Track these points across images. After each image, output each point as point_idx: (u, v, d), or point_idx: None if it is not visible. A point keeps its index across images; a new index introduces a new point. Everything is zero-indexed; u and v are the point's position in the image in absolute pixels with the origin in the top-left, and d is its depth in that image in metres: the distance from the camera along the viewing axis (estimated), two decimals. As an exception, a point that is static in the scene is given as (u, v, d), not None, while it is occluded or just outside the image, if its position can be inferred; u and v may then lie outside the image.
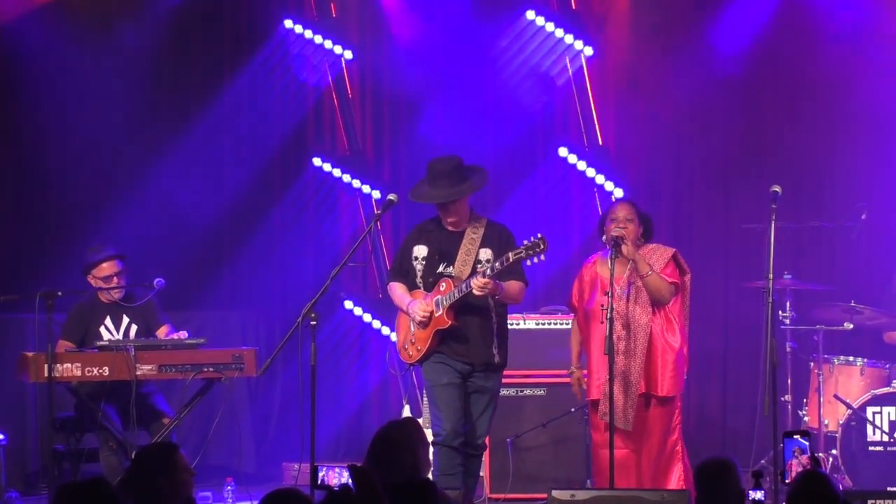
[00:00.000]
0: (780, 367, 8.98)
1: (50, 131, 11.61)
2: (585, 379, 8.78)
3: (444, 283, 8.47)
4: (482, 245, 8.53)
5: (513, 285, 8.46)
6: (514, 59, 11.74)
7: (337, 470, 6.39)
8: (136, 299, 9.72)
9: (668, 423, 8.65)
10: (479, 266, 8.43)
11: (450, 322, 8.41)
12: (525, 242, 8.25)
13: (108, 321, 9.70)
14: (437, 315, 8.45)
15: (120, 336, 9.63)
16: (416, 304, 8.50)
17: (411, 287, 8.64)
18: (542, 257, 8.24)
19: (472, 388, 8.52)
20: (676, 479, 8.63)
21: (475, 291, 8.27)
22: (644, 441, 8.56)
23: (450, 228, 8.60)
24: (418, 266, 8.62)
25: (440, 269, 8.55)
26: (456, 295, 8.37)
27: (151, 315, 9.75)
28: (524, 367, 10.09)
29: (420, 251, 8.64)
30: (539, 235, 8.21)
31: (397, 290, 8.69)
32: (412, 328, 8.57)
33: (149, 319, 9.74)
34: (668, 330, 8.63)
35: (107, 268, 9.68)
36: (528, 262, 8.31)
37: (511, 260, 8.24)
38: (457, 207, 8.55)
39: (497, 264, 8.27)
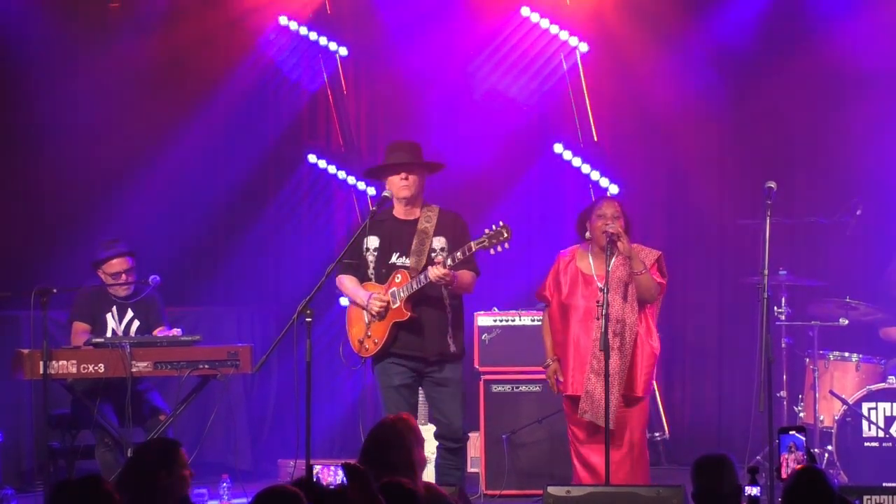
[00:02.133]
0: (775, 362, 8.97)
1: (46, 128, 11.58)
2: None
3: (399, 275, 8.40)
4: (436, 234, 8.45)
5: (465, 275, 8.39)
6: (509, 56, 11.74)
7: (332, 468, 6.38)
8: (138, 296, 9.72)
9: (643, 421, 8.67)
10: (433, 254, 8.38)
11: (408, 314, 8.35)
12: (487, 231, 8.17)
13: (114, 310, 9.70)
14: (393, 307, 8.40)
15: (122, 328, 9.64)
16: (374, 297, 8.42)
17: (362, 279, 8.56)
18: (507, 245, 8.16)
19: (431, 381, 8.48)
20: (646, 475, 8.64)
21: (432, 279, 8.19)
22: (622, 439, 8.54)
23: (402, 216, 8.50)
24: (370, 257, 8.53)
25: (393, 259, 8.48)
26: (413, 287, 8.30)
27: (154, 313, 9.74)
28: (519, 364, 10.09)
29: (372, 242, 8.55)
30: (501, 223, 8.15)
31: (348, 284, 8.59)
32: (367, 321, 8.50)
33: (151, 317, 9.73)
34: (647, 331, 8.62)
35: (117, 264, 9.67)
36: (492, 251, 8.22)
37: (474, 249, 8.18)
38: (413, 180, 8.45)
39: (458, 254, 8.20)
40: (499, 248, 8.18)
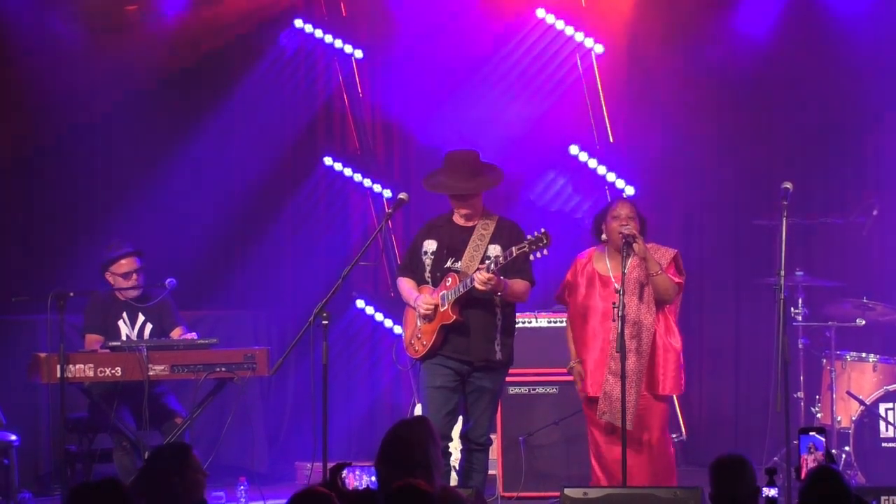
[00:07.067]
0: (792, 363, 8.97)
1: (61, 132, 11.61)
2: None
3: (449, 278, 8.45)
4: (491, 241, 8.51)
5: (518, 284, 8.44)
6: (524, 57, 11.74)
7: (357, 471, 6.37)
8: (151, 299, 9.72)
9: (664, 420, 8.67)
10: (487, 261, 8.42)
11: (455, 317, 8.39)
12: (528, 237, 8.25)
13: (125, 315, 9.71)
14: (442, 309, 8.44)
15: (135, 333, 9.65)
16: (421, 298, 8.50)
17: (420, 282, 8.63)
18: (546, 252, 8.23)
19: (471, 387, 8.50)
20: (669, 475, 8.63)
21: (477, 286, 8.25)
22: (640, 440, 8.54)
23: (461, 223, 8.59)
24: (427, 261, 8.60)
25: (448, 263, 8.53)
26: (461, 290, 8.34)
27: (167, 315, 9.75)
28: (536, 366, 10.09)
29: (430, 246, 8.63)
30: (542, 230, 8.21)
31: (405, 286, 8.69)
32: (418, 323, 8.56)
33: (164, 320, 9.74)
34: (667, 330, 8.62)
35: (125, 264, 9.68)
36: (532, 257, 8.28)
37: (515, 254, 8.23)
38: (474, 200, 8.55)
39: (501, 258, 8.26)
40: (538, 255, 8.24)
